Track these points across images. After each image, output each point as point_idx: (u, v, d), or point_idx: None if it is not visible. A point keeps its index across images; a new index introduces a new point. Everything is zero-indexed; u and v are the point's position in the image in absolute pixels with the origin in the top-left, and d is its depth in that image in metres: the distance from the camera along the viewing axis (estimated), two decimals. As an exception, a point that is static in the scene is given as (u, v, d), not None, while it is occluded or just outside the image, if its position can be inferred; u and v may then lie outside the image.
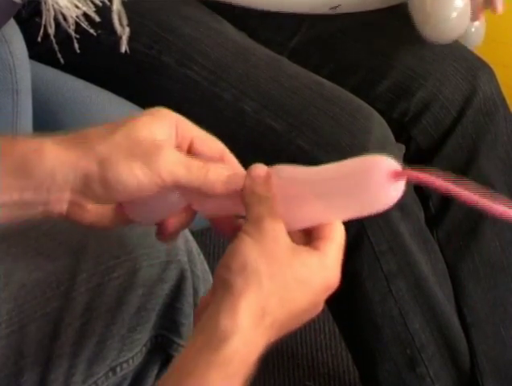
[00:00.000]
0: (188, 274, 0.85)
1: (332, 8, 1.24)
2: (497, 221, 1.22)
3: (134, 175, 0.64)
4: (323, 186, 0.65)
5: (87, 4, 1.02)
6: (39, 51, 1.09)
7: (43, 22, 1.01)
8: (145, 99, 1.12)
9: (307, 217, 0.65)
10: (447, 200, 1.22)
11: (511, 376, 1.22)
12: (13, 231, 0.81)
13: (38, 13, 1.03)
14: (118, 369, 0.83)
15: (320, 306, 0.66)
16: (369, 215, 0.65)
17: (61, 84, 1.13)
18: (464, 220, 1.23)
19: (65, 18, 1.01)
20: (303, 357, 1.51)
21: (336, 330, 1.37)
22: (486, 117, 1.23)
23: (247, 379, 0.60)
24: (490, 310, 1.22)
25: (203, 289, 0.85)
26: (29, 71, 1.04)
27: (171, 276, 0.83)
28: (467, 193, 0.60)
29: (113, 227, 0.72)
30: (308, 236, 0.65)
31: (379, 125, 1.11)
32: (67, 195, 0.65)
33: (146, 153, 0.64)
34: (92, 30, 1.03)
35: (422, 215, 1.18)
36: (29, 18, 1.09)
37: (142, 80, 1.15)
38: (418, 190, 1.19)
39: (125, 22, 1.06)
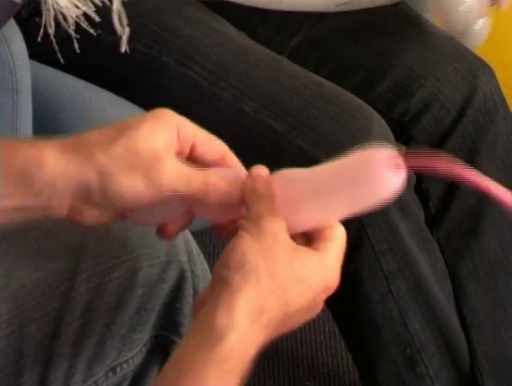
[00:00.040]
0: (188, 274, 0.85)
1: (338, 5, 1.24)
2: (497, 221, 1.22)
3: (134, 188, 0.64)
4: (323, 184, 0.65)
5: (87, 4, 1.02)
6: (39, 51, 1.09)
7: (43, 22, 1.01)
8: (145, 99, 1.12)
9: (309, 218, 0.65)
10: (447, 200, 1.22)
11: (511, 376, 1.22)
12: (13, 231, 0.81)
13: (38, 13, 1.03)
14: (118, 369, 0.83)
15: (319, 307, 0.66)
16: (370, 214, 0.65)
17: (61, 84, 1.13)
18: (464, 220, 1.23)
19: (65, 18, 1.01)
20: (303, 357, 1.51)
21: (336, 330, 1.37)
22: (486, 117, 1.23)
23: (244, 376, 0.60)
24: (490, 310, 1.22)
25: (203, 290, 0.85)
26: (29, 71, 1.04)
27: (171, 276, 0.83)
28: (469, 174, 0.61)
29: (113, 224, 0.72)
30: (309, 239, 0.65)
31: (379, 125, 1.11)
32: (67, 202, 0.65)
33: (146, 167, 0.64)
34: (92, 30, 1.03)
35: (422, 215, 1.18)
36: (29, 18, 1.09)
37: (142, 80, 1.15)
38: (418, 191, 1.19)
39: (125, 22, 1.06)
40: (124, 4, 1.04)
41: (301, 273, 0.63)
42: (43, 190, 0.64)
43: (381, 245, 1.10)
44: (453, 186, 1.21)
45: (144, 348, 0.84)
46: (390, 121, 1.15)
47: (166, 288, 0.83)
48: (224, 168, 0.68)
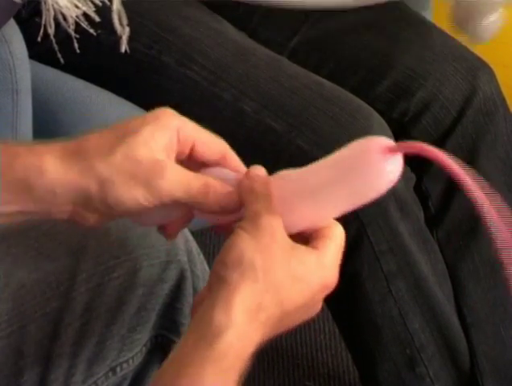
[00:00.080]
0: (188, 274, 0.85)
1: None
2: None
3: (133, 197, 0.64)
4: (316, 180, 0.65)
5: (87, 4, 1.02)
6: (39, 51, 1.09)
7: (43, 22, 1.01)
8: (145, 99, 1.12)
9: (304, 217, 0.65)
10: (447, 200, 1.22)
11: (511, 376, 1.22)
12: (13, 231, 0.81)
13: (38, 13, 1.03)
14: (118, 369, 0.83)
15: (318, 306, 0.66)
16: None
17: (61, 84, 1.13)
18: (464, 220, 1.23)
19: (65, 18, 1.01)
20: (303, 357, 1.51)
21: (336, 330, 1.37)
22: (486, 117, 1.23)
23: (242, 374, 0.60)
24: (490, 310, 1.22)
25: (202, 289, 0.85)
26: (29, 71, 1.04)
27: (171, 276, 0.83)
28: (460, 168, 0.61)
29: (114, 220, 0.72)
30: (307, 239, 0.65)
31: (379, 125, 1.11)
32: (68, 207, 0.65)
33: (146, 176, 0.64)
34: (92, 30, 1.03)
35: (421, 215, 1.18)
36: (29, 18, 1.09)
37: (142, 80, 1.15)
38: (418, 191, 1.19)
39: (125, 21, 1.06)
40: (124, 4, 1.04)
41: (299, 271, 0.63)
42: (43, 196, 0.64)
43: (381, 245, 1.10)
44: (453, 186, 1.21)
45: (144, 348, 0.84)
46: (390, 121, 1.15)
47: (166, 288, 0.83)
48: (223, 168, 0.68)
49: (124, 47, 1.07)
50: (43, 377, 0.79)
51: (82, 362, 0.80)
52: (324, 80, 1.14)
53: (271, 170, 0.68)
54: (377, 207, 1.05)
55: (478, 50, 1.29)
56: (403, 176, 0.64)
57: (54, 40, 1.02)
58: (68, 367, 0.79)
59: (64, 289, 0.79)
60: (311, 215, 0.65)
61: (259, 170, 0.67)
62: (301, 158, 1.06)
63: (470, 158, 1.21)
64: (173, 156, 0.66)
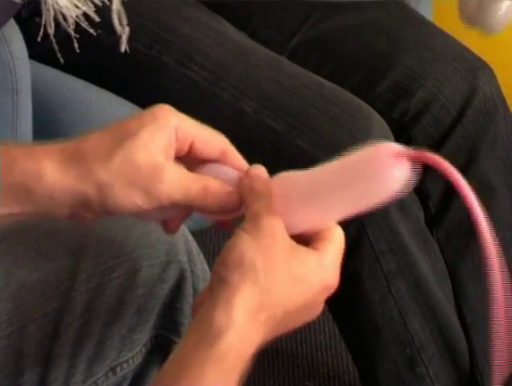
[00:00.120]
0: (188, 274, 0.85)
1: None
2: (497, 221, 1.22)
3: (132, 202, 0.64)
4: (320, 184, 0.65)
5: (87, 4, 1.02)
6: (39, 51, 1.09)
7: (43, 22, 1.01)
8: (145, 99, 1.11)
9: (305, 219, 0.65)
10: (447, 200, 1.22)
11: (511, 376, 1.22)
12: (13, 231, 0.81)
13: (38, 13, 1.03)
14: (118, 369, 0.83)
15: (319, 308, 0.66)
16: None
17: (61, 84, 1.13)
18: (464, 220, 1.23)
19: (65, 18, 1.01)
20: (303, 357, 1.51)
21: (336, 330, 1.37)
22: (486, 117, 1.23)
23: (243, 375, 0.60)
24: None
25: (202, 289, 0.85)
26: (29, 71, 1.04)
27: (171, 276, 0.83)
28: (464, 183, 0.61)
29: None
30: (308, 241, 0.65)
31: (379, 125, 1.11)
32: (67, 210, 0.65)
33: (145, 181, 0.63)
34: (91, 30, 1.03)
35: (421, 215, 1.18)
36: (29, 18, 1.09)
37: (142, 80, 1.15)
38: (418, 191, 1.19)
39: (124, 21, 1.06)
40: (124, 4, 1.04)
41: (300, 271, 0.63)
42: (41, 200, 0.64)
43: (381, 245, 1.10)
44: (453, 186, 1.21)
45: (144, 348, 0.84)
46: (390, 121, 1.15)
47: (166, 288, 0.83)
48: (223, 165, 0.68)
49: (124, 46, 1.07)
50: (43, 377, 0.79)
51: (82, 362, 0.80)
52: (324, 80, 1.14)
53: (271, 170, 0.68)
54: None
55: (478, 50, 1.29)
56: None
57: (54, 40, 1.02)
58: (68, 367, 0.79)
59: (64, 289, 0.79)
60: (313, 217, 0.65)
61: (259, 170, 0.67)
62: (301, 158, 1.06)
63: (470, 158, 1.21)
64: (172, 155, 0.66)
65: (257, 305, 0.61)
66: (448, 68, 1.22)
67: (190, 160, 0.68)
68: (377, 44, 1.24)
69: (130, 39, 1.07)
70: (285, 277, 0.62)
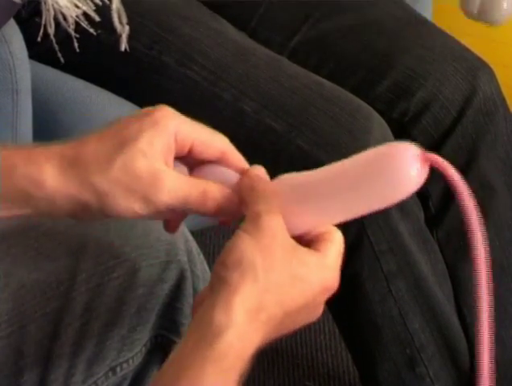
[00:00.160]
0: (188, 274, 0.85)
1: None
2: (497, 221, 1.22)
3: (131, 209, 0.64)
4: (328, 184, 0.65)
5: (87, 3, 1.02)
6: (39, 51, 1.09)
7: (43, 22, 1.01)
8: (145, 99, 1.11)
9: (306, 221, 0.65)
10: (447, 200, 1.22)
11: (511, 376, 1.22)
12: (13, 231, 0.81)
13: (38, 13, 1.03)
14: (118, 369, 0.83)
15: (319, 309, 0.66)
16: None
17: (61, 84, 1.13)
18: (464, 220, 1.23)
19: (65, 18, 1.01)
20: (303, 357, 1.51)
21: (336, 330, 1.37)
22: (486, 117, 1.23)
23: (242, 374, 0.60)
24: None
25: (202, 290, 0.85)
26: (29, 71, 1.04)
27: (171, 276, 0.83)
28: (468, 198, 0.60)
29: None
30: (308, 243, 0.65)
31: (379, 125, 1.11)
32: (66, 213, 0.66)
33: (144, 189, 0.64)
34: (92, 30, 1.03)
35: (421, 215, 1.18)
36: (29, 18, 1.09)
37: (142, 80, 1.15)
38: (418, 191, 1.19)
39: (124, 20, 1.06)
40: (124, 4, 1.04)
41: (300, 271, 0.63)
42: (41, 205, 0.64)
43: (381, 245, 1.10)
44: (452, 189, 1.21)
45: (144, 348, 0.84)
46: (390, 121, 1.15)
47: (166, 288, 0.83)
48: (222, 167, 0.68)
49: (124, 45, 1.07)
50: (43, 377, 0.79)
51: (82, 362, 0.80)
52: (324, 80, 1.14)
53: (271, 170, 0.68)
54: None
55: (478, 50, 1.29)
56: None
57: (54, 40, 1.02)
58: (67, 367, 0.79)
59: (64, 289, 0.79)
60: (314, 218, 0.65)
61: (258, 170, 0.67)
62: (301, 158, 1.06)
63: (470, 158, 1.21)
64: (172, 160, 0.66)
65: (257, 305, 0.61)
66: (448, 68, 1.22)
67: (190, 160, 0.68)
68: (377, 44, 1.24)
69: (130, 39, 1.07)
70: (285, 277, 0.62)
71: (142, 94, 1.14)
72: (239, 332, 0.60)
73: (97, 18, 1.02)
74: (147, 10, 1.15)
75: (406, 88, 1.21)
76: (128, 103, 1.14)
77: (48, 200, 0.64)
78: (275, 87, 1.11)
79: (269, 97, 1.10)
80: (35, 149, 0.65)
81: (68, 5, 1.00)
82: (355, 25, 1.26)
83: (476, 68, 1.23)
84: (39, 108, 1.08)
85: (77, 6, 1.01)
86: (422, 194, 1.20)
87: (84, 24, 1.02)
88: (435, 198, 1.23)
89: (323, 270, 0.64)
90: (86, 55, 1.09)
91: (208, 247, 1.65)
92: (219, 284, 0.61)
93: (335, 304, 1.12)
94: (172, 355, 0.61)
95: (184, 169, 0.68)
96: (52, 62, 1.11)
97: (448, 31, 1.29)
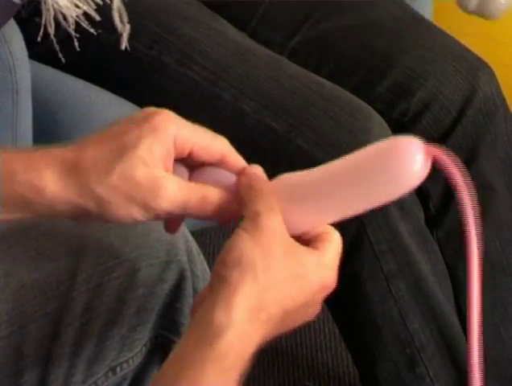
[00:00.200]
0: (188, 274, 0.85)
1: None
2: (497, 221, 1.22)
3: (131, 216, 0.64)
4: (327, 182, 0.65)
5: (87, 3, 1.02)
6: (39, 51, 1.09)
7: (43, 22, 1.01)
8: (145, 99, 1.12)
9: (305, 220, 0.65)
10: (447, 200, 1.22)
11: (511, 376, 1.22)
12: (13, 231, 0.81)
13: (38, 13, 1.03)
14: (118, 369, 0.83)
15: (317, 307, 0.66)
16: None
17: (61, 84, 1.13)
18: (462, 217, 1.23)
19: (65, 18, 1.01)
20: (303, 357, 1.51)
21: (336, 330, 1.37)
22: (486, 117, 1.23)
23: (243, 374, 0.60)
24: (490, 311, 1.22)
25: (202, 290, 0.85)
26: (29, 71, 1.04)
27: (171, 276, 0.83)
28: (468, 196, 0.60)
29: None
30: (307, 242, 0.65)
31: (379, 125, 1.11)
32: (66, 217, 0.66)
33: (143, 197, 0.64)
34: (92, 30, 1.03)
35: (421, 215, 1.18)
36: (29, 18, 1.09)
37: (142, 80, 1.15)
38: (418, 191, 1.19)
39: (125, 19, 1.06)
40: (124, 4, 1.04)
41: (299, 269, 0.63)
42: (41, 210, 0.65)
43: (381, 245, 1.10)
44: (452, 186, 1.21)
45: (144, 348, 0.84)
46: (390, 121, 1.15)
47: (166, 288, 0.83)
48: (222, 169, 0.68)
49: (124, 44, 1.07)
50: (43, 377, 0.79)
51: (82, 362, 0.80)
52: (324, 80, 1.14)
53: (271, 170, 0.68)
54: (377, 207, 1.05)
55: (478, 50, 1.29)
56: None
57: (54, 40, 1.02)
58: (67, 367, 0.79)
59: (64, 289, 0.79)
60: (313, 217, 0.65)
61: (256, 169, 0.67)
62: (301, 158, 1.06)
63: (470, 158, 1.21)
64: (171, 165, 0.66)
65: (257, 304, 0.61)
66: (448, 68, 1.22)
67: (190, 162, 0.68)
68: (377, 44, 1.24)
69: (130, 39, 1.07)
70: (284, 275, 0.62)
71: (142, 94, 1.14)
72: (239, 332, 0.60)
73: (98, 18, 1.02)
74: (147, 10, 1.15)
75: (406, 88, 1.21)
76: (128, 103, 1.14)
77: (48, 206, 0.64)
78: (275, 87, 1.11)
79: (269, 97, 1.10)
80: (35, 153, 0.65)
81: (68, 5, 1.00)
82: (355, 25, 1.26)
83: (476, 68, 1.23)
84: (39, 108, 1.08)
85: (77, 6, 1.01)
86: (422, 194, 1.20)
87: (85, 24, 1.02)
88: (435, 198, 1.23)
89: (321, 269, 0.64)
90: (86, 55, 1.09)
91: (208, 247, 1.65)
92: (219, 283, 0.61)
93: (335, 304, 1.12)
94: (172, 355, 0.61)
95: (184, 171, 0.68)
96: (52, 62, 1.11)
97: (447, 31, 1.29)
